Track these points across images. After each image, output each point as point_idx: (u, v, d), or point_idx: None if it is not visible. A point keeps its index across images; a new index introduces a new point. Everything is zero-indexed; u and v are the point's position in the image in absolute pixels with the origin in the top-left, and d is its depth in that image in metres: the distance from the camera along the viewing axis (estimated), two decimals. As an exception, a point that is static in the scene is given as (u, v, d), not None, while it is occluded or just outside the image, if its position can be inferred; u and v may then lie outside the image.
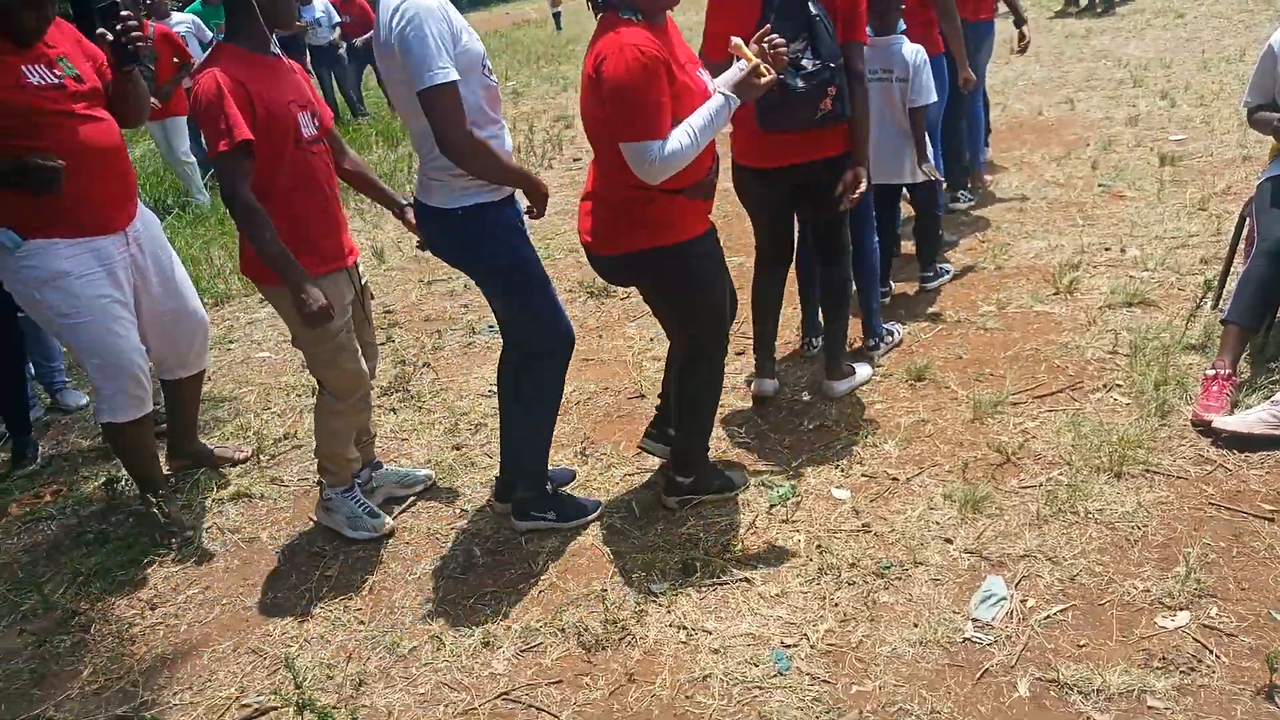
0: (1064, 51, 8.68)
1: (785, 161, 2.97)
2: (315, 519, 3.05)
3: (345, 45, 10.26)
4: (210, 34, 7.77)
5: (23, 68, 2.66)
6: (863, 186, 2.95)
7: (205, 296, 5.08)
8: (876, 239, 3.54)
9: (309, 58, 9.77)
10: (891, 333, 3.72)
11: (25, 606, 2.83)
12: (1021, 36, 5.06)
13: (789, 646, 2.28)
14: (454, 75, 2.26)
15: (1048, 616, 2.27)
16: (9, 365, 3.66)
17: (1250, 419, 2.76)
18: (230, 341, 4.67)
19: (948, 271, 4.23)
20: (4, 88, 2.61)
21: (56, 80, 2.71)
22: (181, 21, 7.45)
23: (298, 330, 2.66)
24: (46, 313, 2.80)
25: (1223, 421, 2.79)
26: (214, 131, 2.35)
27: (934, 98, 3.66)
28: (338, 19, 9.99)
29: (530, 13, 23.98)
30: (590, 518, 2.87)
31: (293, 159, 2.53)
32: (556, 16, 19.89)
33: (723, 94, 2.38)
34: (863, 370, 3.49)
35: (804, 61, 2.75)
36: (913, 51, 3.56)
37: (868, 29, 3.01)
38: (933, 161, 3.80)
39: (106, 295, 2.82)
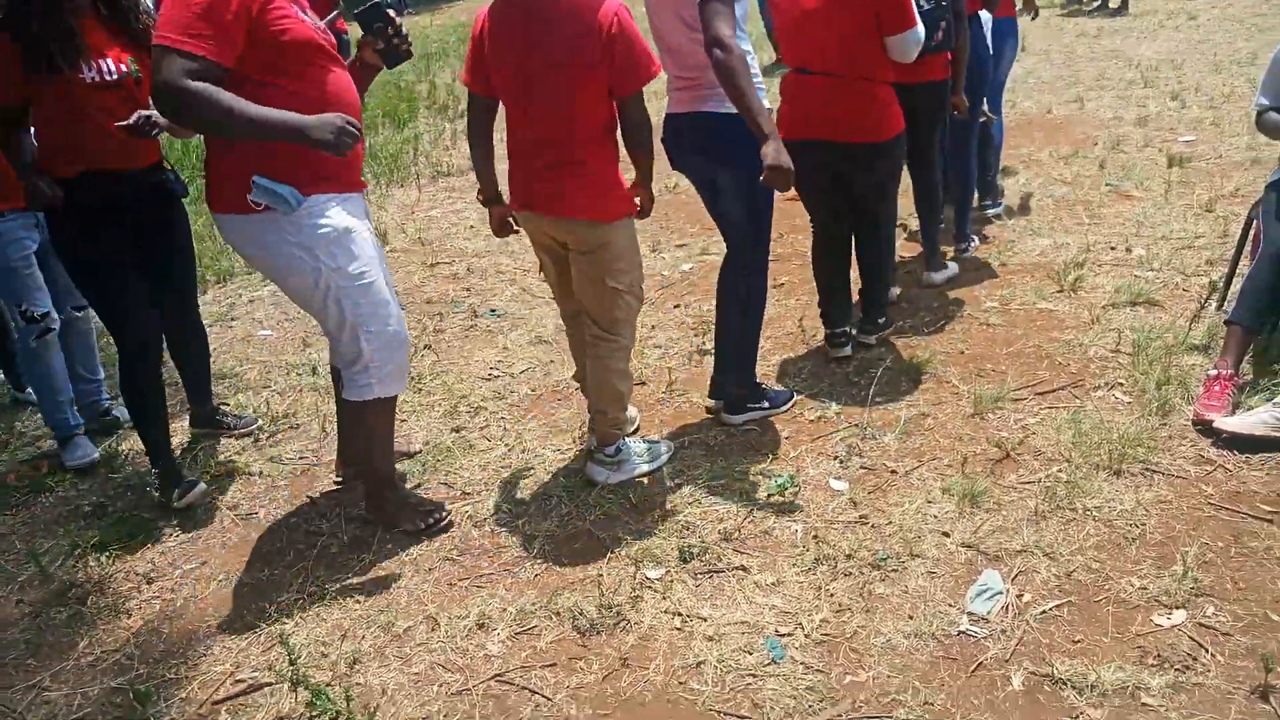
0: (1075, 50, 8.65)
1: (900, 80, 3.25)
2: (590, 478, 2.95)
3: None
4: None
5: (294, 4, 2.38)
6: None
7: (208, 274, 5.08)
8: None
9: None
10: (973, 239, 4.41)
11: (23, 578, 2.84)
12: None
13: (784, 635, 2.28)
14: None
15: (1043, 612, 2.27)
16: None
17: (1251, 420, 2.76)
18: (232, 319, 4.66)
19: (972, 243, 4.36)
20: (292, 17, 2.32)
21: (319, 25, 2.48)
22: None
23: (629, 275, 2.74)
24: (329, 275, 2.44)
25: (1223, 422, 2.78)
26: None
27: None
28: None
29: None
30: (794, 402, 3.28)
31: None
32: None
33: None
34: (953, 267, 4.17)
35: (922, 1, 3.29)
36: None
37: None
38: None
39: (377, 254, 2.56)
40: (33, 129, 2.89)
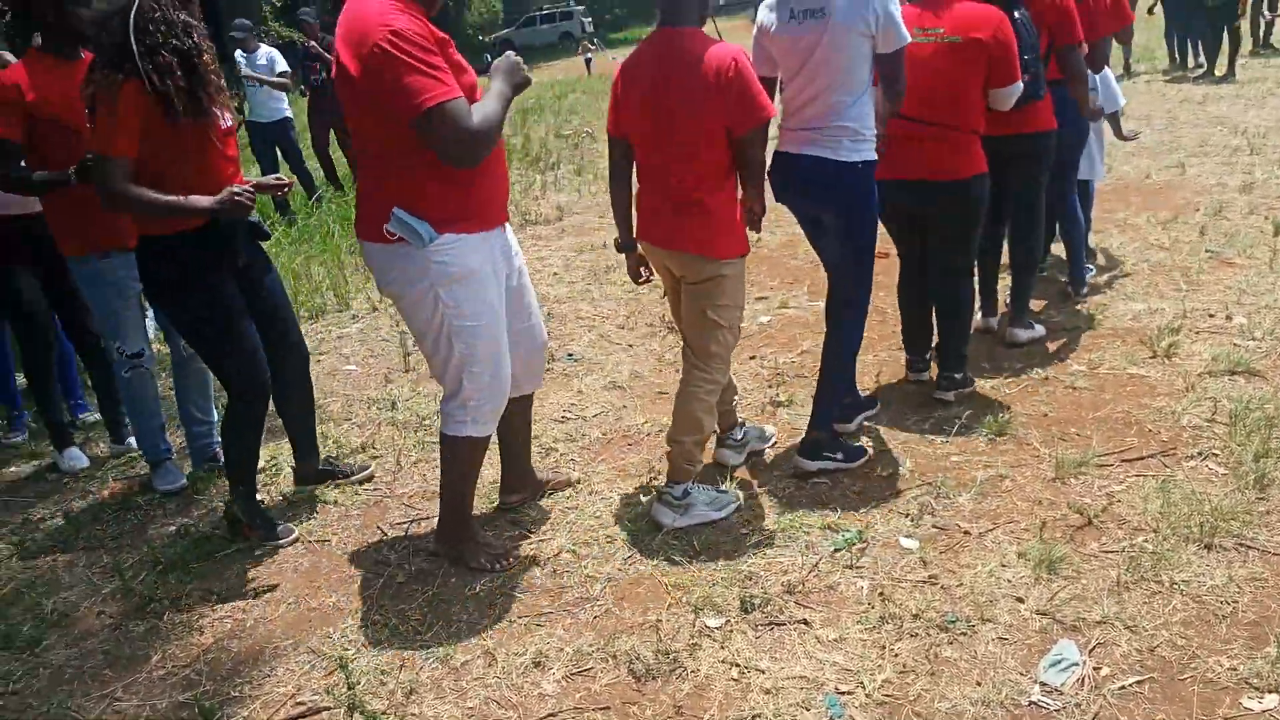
0: (1178, 116, 8.43)
1: (993, 132, 3.36)
2: (665, 524, 2.95)
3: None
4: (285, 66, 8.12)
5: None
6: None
7: (301, 310, 5.28)
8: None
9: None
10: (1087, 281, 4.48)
11: (106, 590, 2.95)
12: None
13: (844, 693, 2.21)
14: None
15: (1122, 687, 2.15)
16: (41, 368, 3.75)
17: None
18: (320, 354, 4.82)
19: (1038, 330, 4.10)
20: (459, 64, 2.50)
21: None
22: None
23: (730, 312, 2.85)
24: (444, 313, 2.53)
25: None
26: None
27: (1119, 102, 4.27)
28: (284, 68, 8.14)
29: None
30: (866, 459, 3.23)
31: None
32: (588, 62, 21.33)
33: None
34: (1039, 329, 4.08)
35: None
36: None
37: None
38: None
39: (498, 300, 2.64)
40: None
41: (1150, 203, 5.91)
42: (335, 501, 3.35)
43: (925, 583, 2.58)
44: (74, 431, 3.99)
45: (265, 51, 8.04)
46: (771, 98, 2.94)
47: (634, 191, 2.96)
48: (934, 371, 3.73)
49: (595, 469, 3.41)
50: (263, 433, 3.13)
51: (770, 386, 3.92)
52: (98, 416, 4.11)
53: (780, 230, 6.09)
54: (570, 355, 4.50)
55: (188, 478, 3.57)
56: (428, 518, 3.18)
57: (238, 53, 7.94)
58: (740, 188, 2.83)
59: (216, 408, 3.68)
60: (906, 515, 2.92)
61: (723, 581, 2.67)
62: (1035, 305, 4.34)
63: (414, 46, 2.27)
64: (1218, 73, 10.14)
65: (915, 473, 3.16)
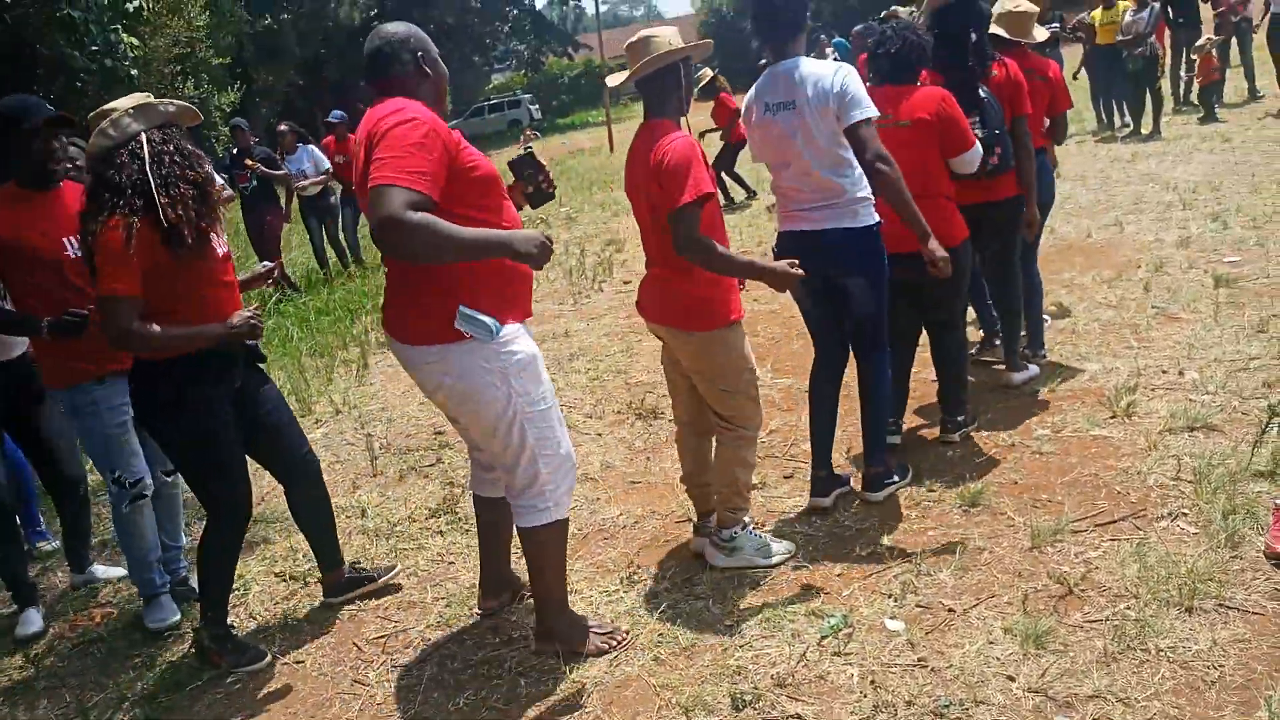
0: (1110, 175, 8.75)
1: (965, 201, 3.67)
2: (715, 564, 3.15)
3: (340, 190, 9.75)
4: (328, 164, 9.40)
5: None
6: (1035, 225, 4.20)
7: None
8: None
9: (297, 205, 9.65)
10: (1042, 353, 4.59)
11: (70, 731, 2.83)
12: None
13: (844, 791, 2.17)
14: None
15: (1121, 764, 2.13)
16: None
17: None
18: (285, 462, 4.74)
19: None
20: (479, 154, 2.56)
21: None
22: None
23: (722, 383, 2.97)
24: (515, 404, 2.54)
25: None
26: None
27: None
28: (326, 165, 9.47)
29: (584, 141, 24.97)
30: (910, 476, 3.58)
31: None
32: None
33: None
34: (1033, 368, 4.34)
35: (976, 130, 3.60)
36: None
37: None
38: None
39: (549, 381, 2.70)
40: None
41: (1093, 261, 6.09)
42: (308, 618, 3.26)
43: (915, 666, 2.56)
44: (32, 558, 3.85)
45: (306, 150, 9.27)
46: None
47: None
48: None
49: (572, 567, 3.35)
50: (237, 559, 3.06)
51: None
52: (55, 545, 3.99)
53: (745, 301, 6.15)
54: (540, 448, 4.47)
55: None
56: (405, 629, 3.11)
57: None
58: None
59: (187, 533, 3.60)
60: (889, 595, 2.91)
61: (711, 679, 2.62)
62: (993, 373, 4.43)
63: (423, 136, 2.31)
64: (1144, 131, 10.58)
65: (894, 549, 3.16)
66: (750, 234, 8.70)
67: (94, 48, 11.62)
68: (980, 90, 3.73)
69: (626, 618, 2.98)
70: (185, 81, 16.87)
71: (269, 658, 3.04)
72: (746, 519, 3.21)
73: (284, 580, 3.58)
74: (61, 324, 2.94)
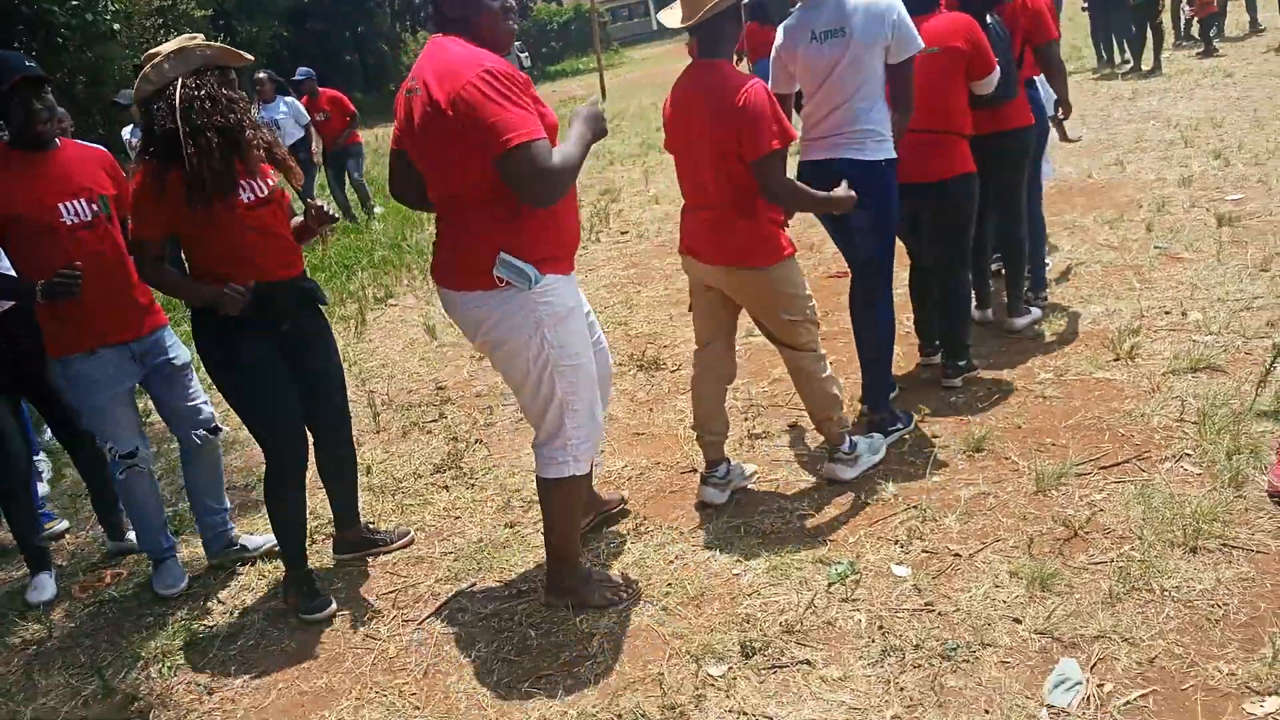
0: (1111, 114, 8.65)
1: (976, 131, 3.68)
2: (836, 478, 3.29)
3: (321, 150, 9.46)
4: (307, 117, 9.17)
5: None
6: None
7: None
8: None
9: None
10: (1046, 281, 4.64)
11: (86, 692, 2.86)
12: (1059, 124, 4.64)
13: (854, 734, 2.20)
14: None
15: (1127, 702, 2.16)
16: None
17: None
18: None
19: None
20: (542, 102, 2.58)
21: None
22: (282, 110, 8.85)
23: (788, 313, 3.04)
24: (548, 354, 2.56)
25: None
26: None
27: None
28: (305, 117, 9.18)
29: (575, 89, 24.62)
30: (914, 424, 3.59)
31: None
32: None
33: None
34: (1035, 311, 4.35)
35: None
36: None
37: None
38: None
39: (588, 335, 2.74)
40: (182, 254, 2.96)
41: (1095, 202, 6.04)
42: (317, 575, 3.28)
43: (922, 610, 2.59)
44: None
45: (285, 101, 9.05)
46: (789, 114, 3.30)
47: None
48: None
49: (579, 519, 3.38)
50: (302, 505, 3.09)
51: (745, 419, 3.92)
52: (62, 525, 3.96)
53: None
54: (542, 402, 4.47)
55: (211, 562, 3.45)
56: (414, 584, 3.13)
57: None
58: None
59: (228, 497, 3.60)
60: (895, 541, 2.93)
61: (720, 627, 2.65)
62: (994, 315, 4.41)
63: (506, 85, 2.33)
64: (1144, 68, 10.45)
65: (899, 496, 3.17)
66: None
67: (74, 3, 11.39)
68: (987, 18, 3.74)
69: (634, 568, 3.00)
70: (167, 34, 16.59)
71: (333, 606, 3.05)
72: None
73: (390, 553, 3.57)
74: (53, 286, 2.88)
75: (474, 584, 3.08)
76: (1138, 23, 10.47)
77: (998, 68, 3.58)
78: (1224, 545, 2.62)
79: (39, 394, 3.52)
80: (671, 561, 3.01)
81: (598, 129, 2.56)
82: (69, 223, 2.99)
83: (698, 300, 3.24)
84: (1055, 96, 4.37)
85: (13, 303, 3.35)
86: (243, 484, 4.14)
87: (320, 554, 3.42)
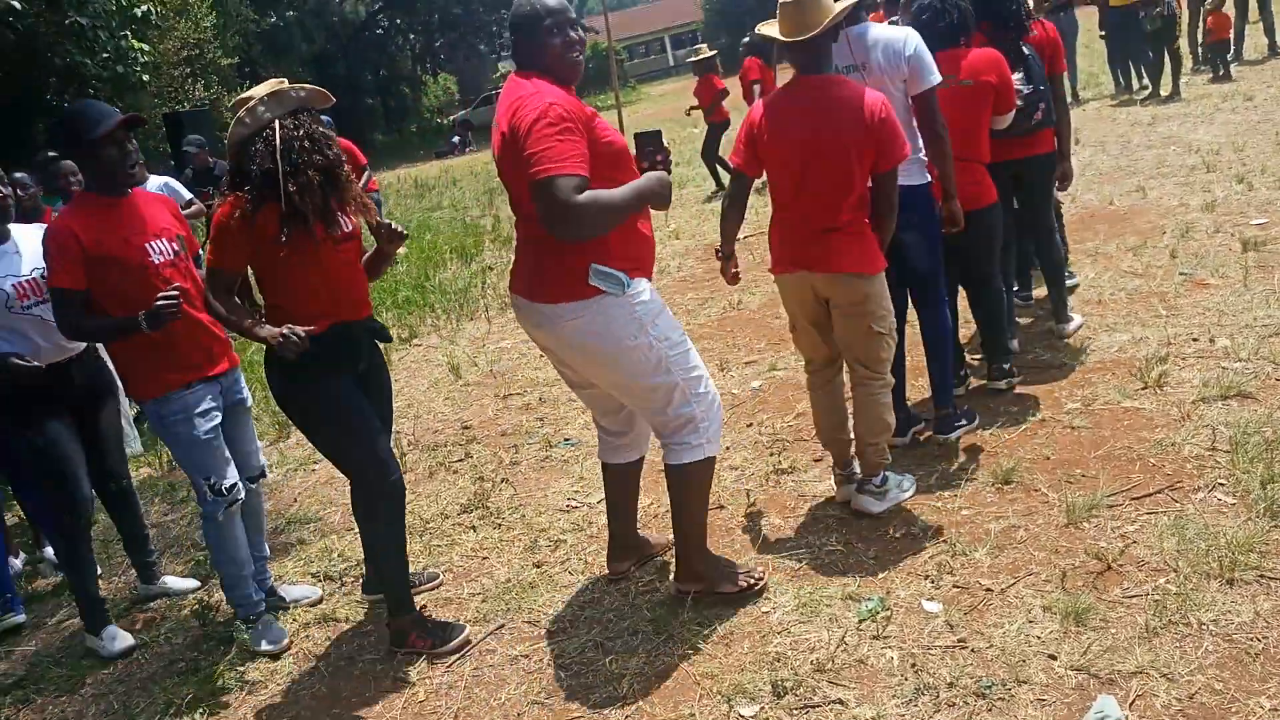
0: (1130, 139, 8.63)
1: (1008, 156, 3.95)
2: (864, 510, 3.30)
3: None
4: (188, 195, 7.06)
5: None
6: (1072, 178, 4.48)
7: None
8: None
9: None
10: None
11: (120, 737, 2.87)
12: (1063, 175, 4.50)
13: (889, 775, 2.17)
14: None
15: (1168, 740, 2.12)
16: None
17: None
18: (315, 463, 4.78)
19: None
20: (610, 127, 2.72)
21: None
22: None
23: (879, 324, 3.14)
24: (659, 345, 2.68)
25: None
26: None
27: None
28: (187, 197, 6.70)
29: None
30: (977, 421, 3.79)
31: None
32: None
33: None
34: (1078, 318, 4.55)
35: (1021, 87, 3.86)
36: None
37: None
38: None
39: None
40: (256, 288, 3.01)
41: (1117, 229, 6.02)
42: (347, 619, 3.30)
43: (955, 647, 2.56)
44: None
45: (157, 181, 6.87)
46: None
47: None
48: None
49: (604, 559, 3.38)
50: (402, 541, 3.04)
51: (771, 454, 3.91)
52: (19, 619, 3.73)
53: (759, 290, 6.14)
54: (567, 440, 4.49)
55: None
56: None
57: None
58: (876, 230, 3.14)
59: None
60: (926, 577, 2.90)
61: (751, 666, 2.63)
62: (1016, 345, 4.39)
63: (561, 121, 2.46)
64: (1163, 93, 10.42)
65: (928, 531, 3.15)
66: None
67: (104, 55, 11.69)
68: (1024, 48, 3.98)
69: (661, 607, 2.99)
70: (195, 83, 16.98)
71: (467, 629, 3.04)
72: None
73: (320, 580, 3.61)
74: (157, 311, 2.85)
75: (503, 624, 3.08)
76: (1155, 48, 10.46)
77: (1017, 106, 3.82)
78: (1261, 576, 2.58)
79: (88, 430, 3.47)
80: (699, 599, 3.00)
81: (659, 194, 2.67)
82: (157, 261, 3.05)
83: (803, 319, 3.31)
84: None
85: (85, 345, 3.39)
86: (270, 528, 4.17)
87: (351, 597, 3.43)
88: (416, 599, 3.23)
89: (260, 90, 2.82)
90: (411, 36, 39.80)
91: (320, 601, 3.46)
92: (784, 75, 3.34)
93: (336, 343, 2.87)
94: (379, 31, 38.44)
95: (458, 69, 44.85)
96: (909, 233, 3.37)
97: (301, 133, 2.78)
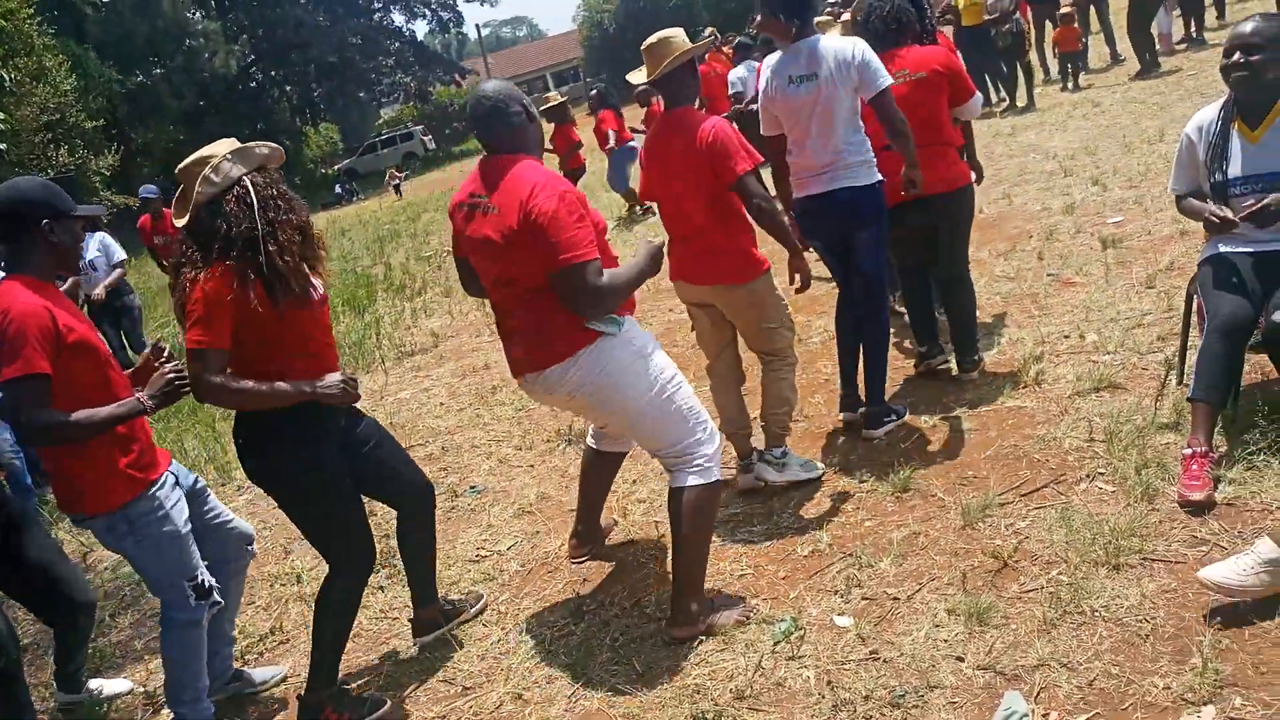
0: (994, 149, 9.07)
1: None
2: (762, 478, 3.61)
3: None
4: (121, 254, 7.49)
5: None
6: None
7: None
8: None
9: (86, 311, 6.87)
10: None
11: None
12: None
13: (814, 796, 2.19)
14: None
15: (1072, 728, 2.20)
16: None
17: (1238, 574, 2.38)
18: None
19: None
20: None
21: None
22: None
23: (768, 321, 3.44)
24: (656, 376, 2.79)
25: (1209, 575, 2.42)
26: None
27: None
28: (119, 255, 7.46)
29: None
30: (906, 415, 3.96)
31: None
32: (396, 188, 23.33)
33: None
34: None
35: None
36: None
37: None
38: None
39: None
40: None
41: (987, 236, 6.29)
42: (257, 695, 3.15)
43: (867, 660, 2.61)
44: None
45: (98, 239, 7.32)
46: (781, 153, 3.75)
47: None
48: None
49: (520, 605, 3.33)
50: (355, 615, 2.93)
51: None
52: None
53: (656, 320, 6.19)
54: (473, 488, 4.42)
55: (218, 697, 3.10)
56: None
57: None
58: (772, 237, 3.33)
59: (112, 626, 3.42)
60: (835, 592, 2.95)
61: (672, 702, 2.62)
62: (908, 352, 4.54)
63: (576, 209, 2.64)
64: (1019, 104, 11.01)
65: (834, 545, 3.21)
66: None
67: (-43, 123, 11.13)
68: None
69: (579, 650, 2.96)
70: (58, 149, 16.24)
71: (389, 703, 2.92)
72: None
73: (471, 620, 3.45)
74: (164, 390, 2.58)
75: (417, 685, 3.00)
76: (1007, 62, 11.06)
77: (978, 94, 4.01)
78: (1144, 559, 2.71)
79: (16, 564, 3.11)
80: (615, 638, 2.98)
81: (654, 267, 2.84)
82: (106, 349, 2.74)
83: (698, 321, 3.62)
84: None
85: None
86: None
87: (264, 666, 3.29)
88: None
89: (220, 147, 2.62)
90: (288, 88, 39.06)
91: (286, 680, 3.28)
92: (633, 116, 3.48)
93: (312, 418, 2.68)
94: (253, 85, 37.60)
95: (339, 117, 44.18)
96: (861, 234, 3.62)
97: (274, 191, 2.63)
